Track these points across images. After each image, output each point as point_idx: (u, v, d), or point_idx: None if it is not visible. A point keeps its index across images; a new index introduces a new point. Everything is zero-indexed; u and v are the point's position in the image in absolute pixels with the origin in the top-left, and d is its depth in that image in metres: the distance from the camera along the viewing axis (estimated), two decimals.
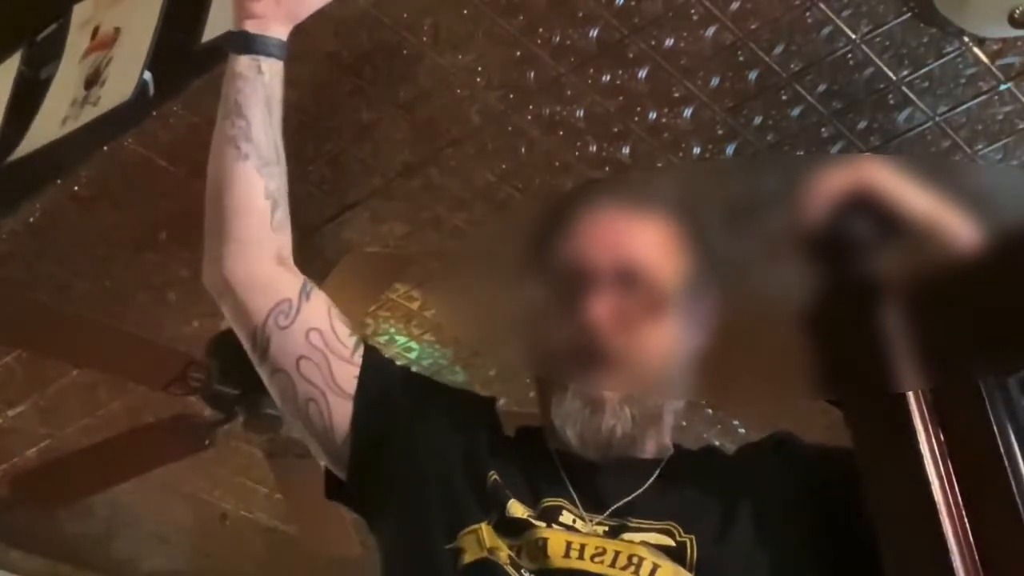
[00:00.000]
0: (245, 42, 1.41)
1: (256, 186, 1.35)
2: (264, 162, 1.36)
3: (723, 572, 1.16)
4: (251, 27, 1.41)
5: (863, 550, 1.10)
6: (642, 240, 1.17)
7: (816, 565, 1.17)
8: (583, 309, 1.16)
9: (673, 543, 1.16)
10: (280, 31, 1.42)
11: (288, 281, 1.35)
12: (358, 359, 1.33)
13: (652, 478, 1.24)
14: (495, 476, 1.24)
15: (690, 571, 1.14)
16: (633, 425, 1.24)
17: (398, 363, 1.45)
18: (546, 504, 1.22)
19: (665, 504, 1.21)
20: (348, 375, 1.32)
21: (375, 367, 1.35)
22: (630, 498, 1.22)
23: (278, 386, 1.34)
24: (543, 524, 1.19)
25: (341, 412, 1.31)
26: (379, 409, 1.31)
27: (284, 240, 1.36)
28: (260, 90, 1.38)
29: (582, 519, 1.20)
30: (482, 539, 1.18)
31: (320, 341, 1.32)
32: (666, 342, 1.12)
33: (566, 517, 1.20)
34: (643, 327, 1.18)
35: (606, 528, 1.19)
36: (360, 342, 1.36)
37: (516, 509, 1.20)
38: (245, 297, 1.34)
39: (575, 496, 1.23)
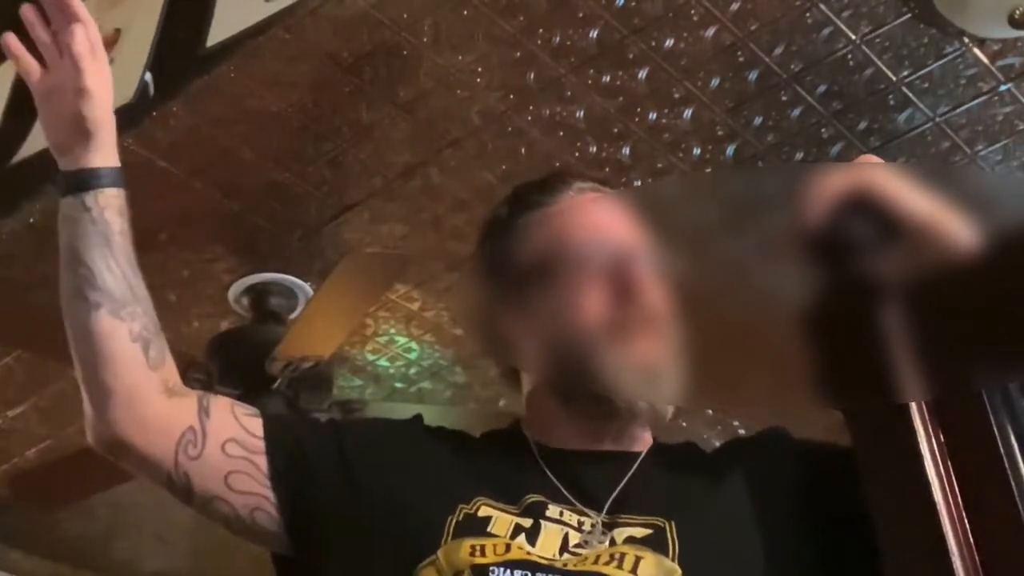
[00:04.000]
0: (60, 182, 1.28)
1: (119, 333, 1.24)
2: (120, 304, 1.24)
3: (707, 560, 1.14)
4: (62, 163, 1.29)
5: (851, 543, 1.10)
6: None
7: (805, 557, 1.16)
8: (628, 281, 1.16)
9: (651, 531, 1.16)
10: (95, 158, 1.29)
11: (184, 408, 1.25)
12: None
13: (633, 469, 1.23)
14: (464, 508, 1.18)
15: (672, 560, 1.13)
16: (645, 408, 1.23)
17: (304, 419, 1.37)
18: (530, 500, 1.20)
19: (652, 498, 1.20)
20: None
21: (276, 437, 1.25)
22: (617, 492, 1.21)
23: (218, 513, 1.24)
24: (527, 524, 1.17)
25: None
26: (296, 473, 1.23)
27: (167, 372, 1.27)
28: (91, 230, 1.25)
29: (570, 512, 1.19)
30: (441, 567, 1.13)
31: (238, 449, 1.23)
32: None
33: (552, 511, 1.18)
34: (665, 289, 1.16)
35: (595, 523, 1.18)
36: (261, 417, 1.27)
37: (496, 522, 1.17)
38: (144, 446, 1.24)
39: (561, 489, 1.21)
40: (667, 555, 1.13)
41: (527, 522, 1.17)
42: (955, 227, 0.89)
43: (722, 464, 1.26)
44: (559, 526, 1.17)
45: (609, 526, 1.17)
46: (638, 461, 1.25)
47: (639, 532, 1.16)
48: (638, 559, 1.12)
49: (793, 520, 1.18)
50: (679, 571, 1.12)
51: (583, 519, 1.18)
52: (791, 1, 2.61)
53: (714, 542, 1.17)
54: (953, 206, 0.89)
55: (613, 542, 1.16)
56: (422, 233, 3.24)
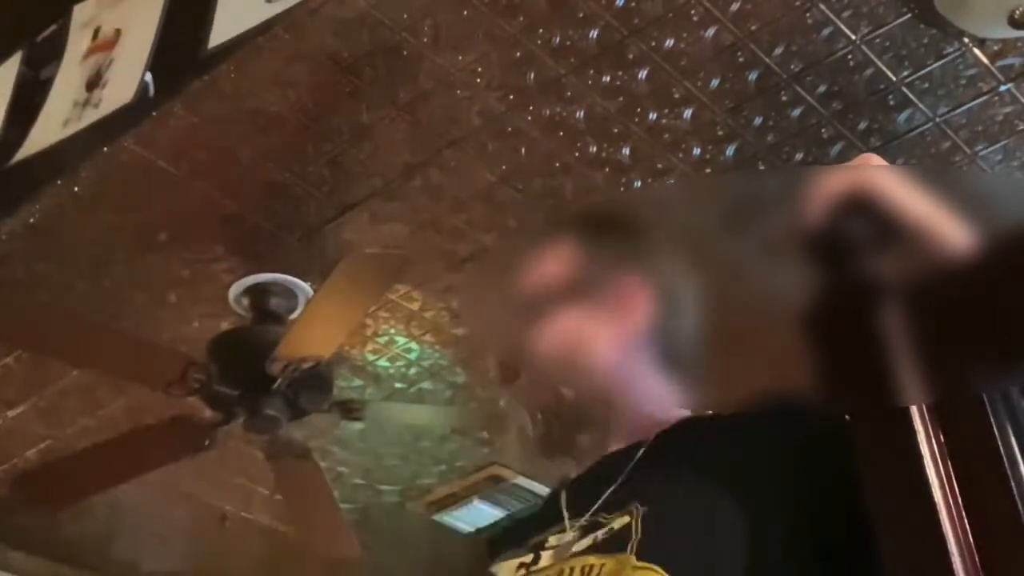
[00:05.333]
0: None
1: None
2: None
3: (667, 547, 1.12)
4: None
5: (844, 535, 1.10)
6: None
7: (794, 546, 1.15)
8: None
9: (621, 527, 1.15)
10: None
11: None
12: None
13: (629, 467, 1.23)
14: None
15: (631, 551, 1.11)
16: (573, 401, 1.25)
17: None
18: (535, 540, 1.22)
19: (634, 490, 1.19)
20: None
21: None
22: (607, 495, 1.21)
23: None
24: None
25: None
26: None
27: None
28: None
29: (564, 531, 1.20)
30: None
31: None
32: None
33: (551, 541, 1.20)
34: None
35: (582, 528, 1.19)
36: None
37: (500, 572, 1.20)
38: None
39: (565, 514, 1.22)
40: (626, 549, 1.12)
41: (528, 557, 1.20)
42: (954, 229, 0.89)
43: (721, 440, 1.24)
44: (550, 551, 1.19)
45: (591, 527, 1.18)
46: (637, 456, 1.25)
47: (610, 530, 1.16)
48: (587, 568, 1.13)
49: (784, 506, 1.16)
50: (632, 559, 1.11)
51: (575, 533, 1.19)
52: (791, 1, 2.61)
53: (685, 525, 1.15)
54: (952, 208, 0.89)
55: (582, 550, 1.16)
56: (422, 233, 3.24)
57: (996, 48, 2.71)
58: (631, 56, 2.73)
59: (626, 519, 1.15)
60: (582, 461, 1.28)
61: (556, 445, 1.28)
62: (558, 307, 1.14)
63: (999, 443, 0.92)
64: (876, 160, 1.08)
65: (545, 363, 1.17)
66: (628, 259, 1.02)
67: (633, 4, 2.61)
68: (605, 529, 1.16)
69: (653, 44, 2.71)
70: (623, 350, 1.11)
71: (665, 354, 1.08)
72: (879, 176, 0.95)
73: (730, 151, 2.98)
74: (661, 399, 1.23)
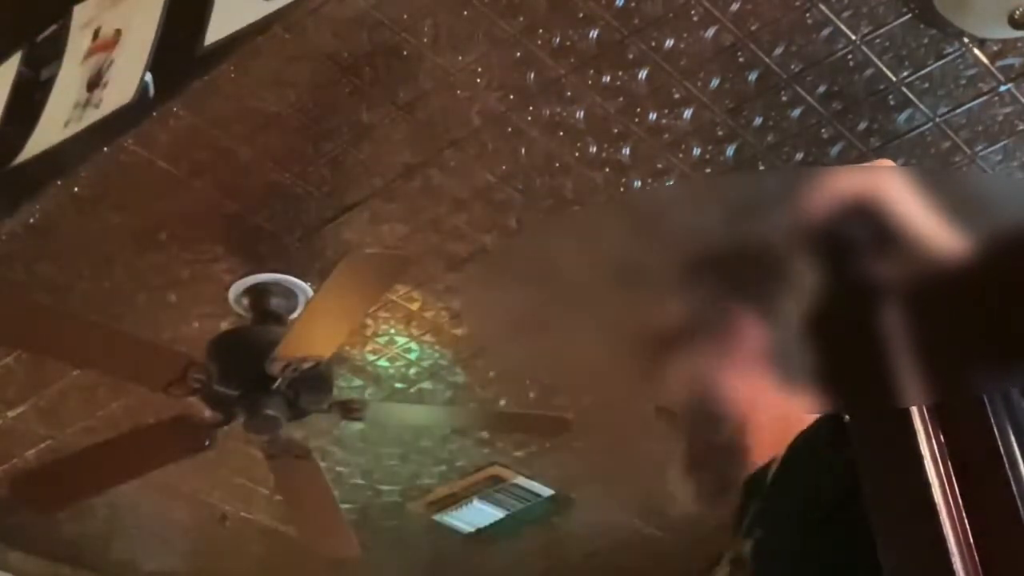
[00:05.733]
0: None
1: None
2: None
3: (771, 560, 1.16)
4: None
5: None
6: None
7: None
8: None
9: (741, 555, 1.18)
10: None
11: None
12: None
13: (763, 488, 1.24)
14: None
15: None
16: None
17: None
18: None
19: (757, 514, 1.21)
20: None
21: None
22: (743, 521, 1.22)
23: None
24: None
25: None
26: None
27: None
28: None
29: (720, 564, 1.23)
30: None
31: None
32: None
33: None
34: None
35: (728, 557, 1.22)
36: None
37: None
38: None
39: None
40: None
41: None
42: (954, 234, 0.88)
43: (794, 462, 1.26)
44: None
45: (732, 557, 1.20)
46: (769, 475, 1.25)
47: (738, 558, 1.19)
48: None
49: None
50: None
51: (717, 568, 1.22)
52: (791, 1, 2.61)
53: (772, 555, 1.17)
54: (953, 210, 0.89)
55: None
56: (422, 233, 3.24)
57: (996, 48, 2.71)
58: (631, 56, 2.73)
59: (748, 546, 1.18)
60: (736, 491, 1.28)
61: (715, 490, 1.28)
62: (675, 357, 1.14)
63: (999, 443, 0.92)
64: (888, 164, 1.08)
65: (679, 414, 1.19)
66: (732, 292, 1.02)
67: (633, 4, 2.61)
68: (735, 557, 1.19)
69: (653, 44, 2.71)
70: (748, 378, 1.12)
71: (782, 366, 1.08)
72: (887, 179, 0.95)
73: (730, 151, 2.98)
74: (787, 410, 1.23)
